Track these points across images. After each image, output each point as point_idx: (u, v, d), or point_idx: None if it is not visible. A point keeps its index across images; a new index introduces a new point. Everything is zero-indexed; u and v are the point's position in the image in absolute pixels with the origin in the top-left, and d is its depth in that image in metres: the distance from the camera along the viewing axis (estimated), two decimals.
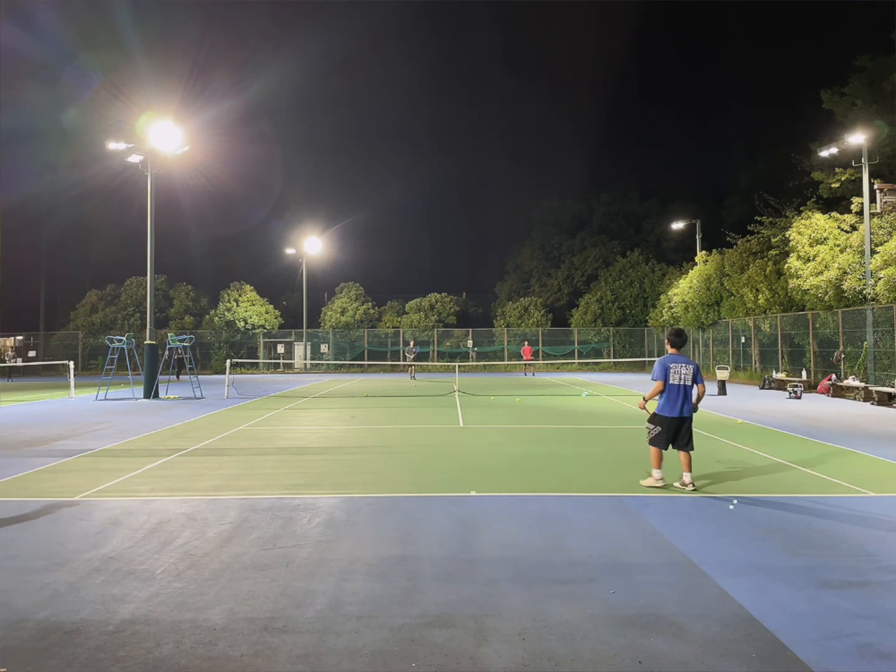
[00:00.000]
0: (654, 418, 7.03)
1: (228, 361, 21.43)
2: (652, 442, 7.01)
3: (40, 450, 9.76)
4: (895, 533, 5.35)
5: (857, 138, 19.73)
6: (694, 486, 6.83)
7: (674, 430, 6.87)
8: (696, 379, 6.92)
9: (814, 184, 26.65)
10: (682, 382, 6.86)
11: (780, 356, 24.59)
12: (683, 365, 6.91)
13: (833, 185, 24.91)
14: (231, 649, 3.41)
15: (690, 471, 6.90)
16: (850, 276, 19.83)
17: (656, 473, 6.98)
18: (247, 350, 40.53)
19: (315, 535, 5.36)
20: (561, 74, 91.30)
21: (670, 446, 6.98)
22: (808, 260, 21.85)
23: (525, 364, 33.63)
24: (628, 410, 14.95)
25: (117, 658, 3.32)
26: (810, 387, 20.48)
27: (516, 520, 5.78)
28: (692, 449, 6.91)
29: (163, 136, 19.77)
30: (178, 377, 27.46)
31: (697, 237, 33.26)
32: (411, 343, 31.73)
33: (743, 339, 27.70)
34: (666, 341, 7.26)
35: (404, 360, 29.46)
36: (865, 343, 19.17)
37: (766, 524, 5.63)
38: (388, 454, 9.23)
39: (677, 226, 35.37)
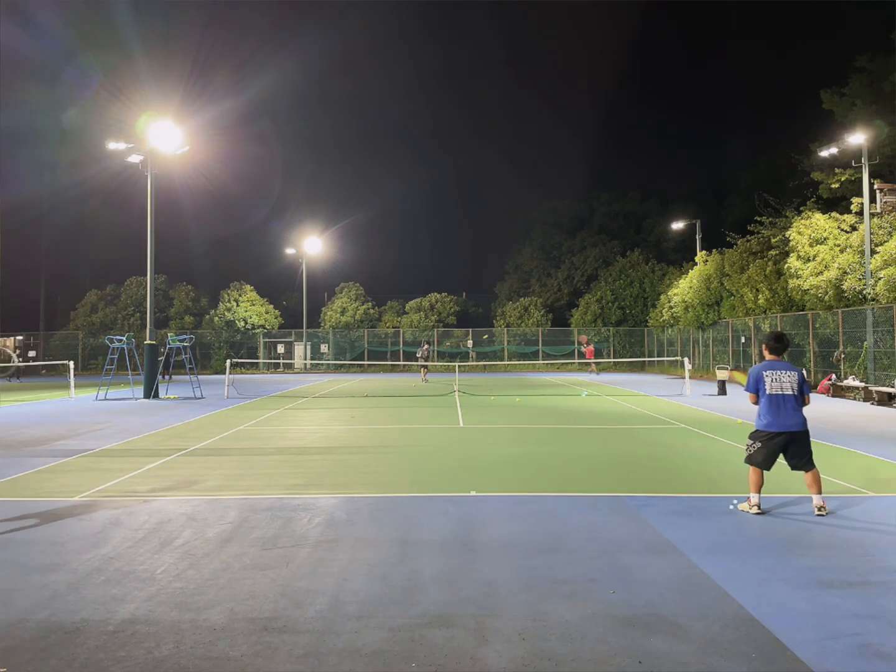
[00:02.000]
0: (753, 434, 6.14)
1: (228, 361, 21.42)
2: (748, 460, 6.10)
3: (40, 450, 9.76)
4: (895, 533, 5.35)
5: (857, 138, 19.72)
6: (824, 509, 5.90)
7: (779, 447, 5.93)
8: (803, 389, 6.00)
9: (814, 184, 26.63)
10: (783, 391, 5.92)
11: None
12: (784, 372, 5.99)
13: (833, 186, 24.90)
14: (231, 649, 3.41)
15: (820, 491, 5.95)
16: (850, 276, 19.83)
17: (753, 498, 6.03)
18: (247, 350, 40.54)
19: (315, 535, 5.36)
20: (561, 74, 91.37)
21: (775, 468, 6.06)
22: (808, 260, 21.85)
23: (590, 363, 33.62)
24: (628, 410, 14.95)
25: (117, 658, 3.32)
26: (810, 387, 20.45)
27: (516, 520, 5.78)
28: (813, 466, 5.94)
29: (163, 136, 19.76)
30: (163, 377, 26.60)
31: (697, 237, 33.26)
32: (426, 345, 30.29)
33: (743, 340, 27.69)
34: (763, 346, 6.38)
35: (424, 359, 28.69)
36: (865, 343, 19.17)
37: (766, 524, 5.63)
38: (388, 454, 9.23)
39: (677, 226, 35.38)
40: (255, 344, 40.90)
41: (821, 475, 7.52)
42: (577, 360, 39.14)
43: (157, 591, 4.19)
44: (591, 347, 34.71)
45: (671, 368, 33.37)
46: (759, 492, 6.06)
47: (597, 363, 34.13)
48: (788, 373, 6.00)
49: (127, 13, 45.99)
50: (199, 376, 22.55)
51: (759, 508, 6.00)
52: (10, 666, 3.25)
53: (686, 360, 20.70)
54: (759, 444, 6.03)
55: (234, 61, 77.49)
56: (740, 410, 14.69)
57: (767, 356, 6.25)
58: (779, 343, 6.21)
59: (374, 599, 4.04)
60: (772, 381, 5.97)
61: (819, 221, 22.15)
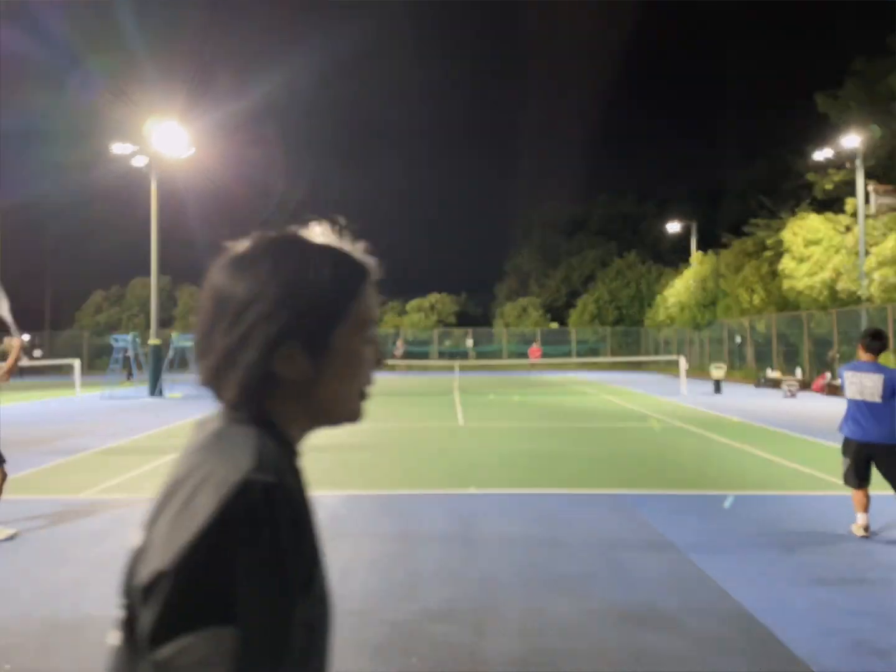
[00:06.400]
0: (842, 445, 5.32)
1: None
2: (844, 480, 5.26)
3: (46, 448, 9.75)
4: (892, 531, 5.39)
5: (852, 141, 19.79)
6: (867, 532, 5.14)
7: (862, 460, 5.07)
8: (887, 393, 4.95)
9: (808, 185, 26.71)
10: (861, 397, 5.05)
11: (774, 355, 24.67)
12: (866, 374, 5.06)
13: (827, 186, 24.94)
14: None
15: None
16: (844, 277, 19.90)
17: (859, 519, 5.14)
18: None
19: None
20: (559, 76, 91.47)
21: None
22: (803, 261, 21.93)
23: (531, 364, 33.89)
24: (626, 409, 15.01)
25: None
26: (805, 385, 20.54)
27: (515, 516, 5.81)
28: None
29: (167, 139, 19.67)
30: (129, 378, 24.47)
31: (693, 238, 33.34)
32: (398, 342, 32.63)
33: (738, 339, 27.77)
34: (858, 345, 5.44)
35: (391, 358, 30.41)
36: None
37: (763, 522, 5.66)
38: (389, 452, 9.27)
39: (673, 227, 35.47)
40: None
41: (817, 473, 7.59)
42: (574, 360, 39.18)
43: None
44: (538, 349, 34.85)
45: (667, 368, 33.42)
46: (864, 511, 5.15)
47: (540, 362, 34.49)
48: (871, 375, 5.05)
49: (131, 16, 45.98)
50: None
51: (866, 533, 5.13)
52: (13, 662, 3.26)
53: (682, 359, 20.76)
54: (848, 460, 5.19)
55: (238, 63, 77.65)
56: (736, 409, 14.75)
57: (861, 356, 5.29)
58: (874, 341, 5.20)
59: (374, 595, 4.08)
60: (849, 383, 5.18)
61: (813, 222, 22.23)
